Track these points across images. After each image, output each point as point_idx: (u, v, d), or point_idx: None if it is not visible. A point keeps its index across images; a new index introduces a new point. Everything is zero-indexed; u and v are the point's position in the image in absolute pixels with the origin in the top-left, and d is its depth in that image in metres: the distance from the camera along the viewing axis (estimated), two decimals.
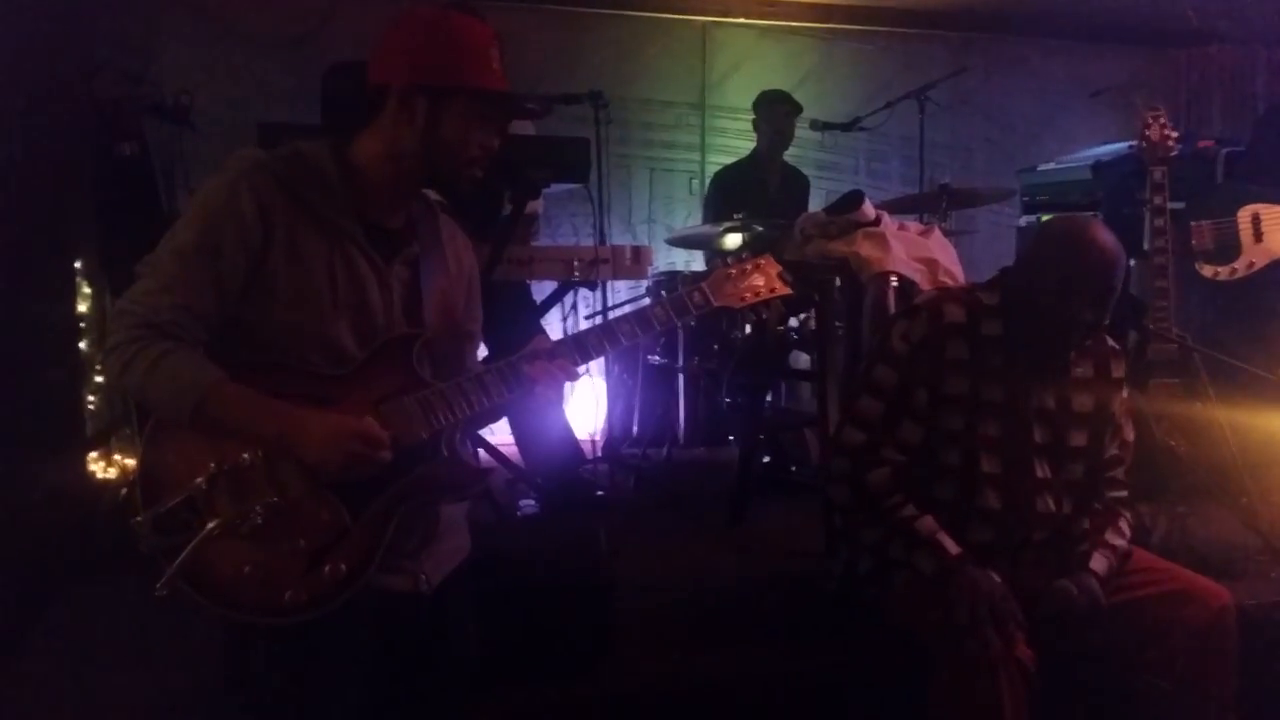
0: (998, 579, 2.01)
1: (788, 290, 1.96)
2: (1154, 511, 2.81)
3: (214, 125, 4.10)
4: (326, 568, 1.58)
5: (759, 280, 1.93)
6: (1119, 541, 2.18)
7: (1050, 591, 2.06)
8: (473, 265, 1.95)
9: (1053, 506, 2.18)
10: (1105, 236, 2.12)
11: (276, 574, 1.57)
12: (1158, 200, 3.01)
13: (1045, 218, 4.27)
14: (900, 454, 2.16)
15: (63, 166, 3.01)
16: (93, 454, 3.34)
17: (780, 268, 1.96)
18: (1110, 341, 2.29)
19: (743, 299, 1.91)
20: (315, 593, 1.57)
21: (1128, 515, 2.25)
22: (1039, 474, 2.17)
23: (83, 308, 3.32)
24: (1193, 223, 3.51)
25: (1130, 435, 2.32)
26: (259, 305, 1.63)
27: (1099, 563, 2.11)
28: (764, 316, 2.02)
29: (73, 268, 3.27)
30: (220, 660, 1.78)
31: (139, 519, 1.56)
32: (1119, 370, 2.27)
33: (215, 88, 4.65)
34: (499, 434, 3.62)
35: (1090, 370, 2.24)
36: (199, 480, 1.57)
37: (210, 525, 1.55)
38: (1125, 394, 2.29)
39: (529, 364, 1.73)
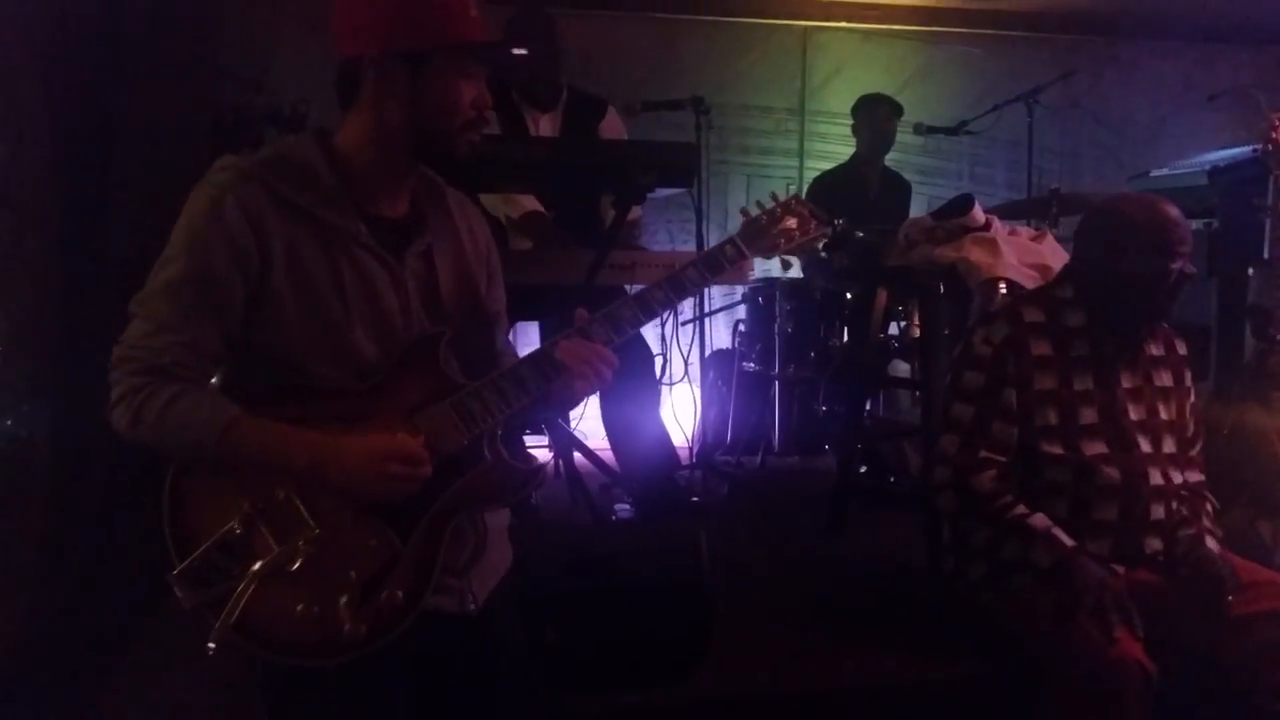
0: (1118, 570, 2.04)
1: (825, 229, 1.85)
2: (1277, 529, 2.70)
3: None
4: (383, 595, 1.49)
5: (791, 223, 1.81)
6: (1217, 529, 2.22)
7: (1196, 558, 2.11)
8: (489, 238, 1.79)
9: (1162, 479, 2.20)
10: (1151, 195, 2.30)
11: (331, 610, 1.47)
12: None
13: None
14: (999, 454, 2.18)
15: (186, 174, 3.11)
16: None
17: (812, 205, 1.86)
18: (1164, 324, 2.37)
19: (777, 246, 1.81)
20: (375, 624, 1.48)
21: (1210, 498, 2.29)
22: (1144, 449, 2.20)
23: None
24: None
25: (1198, 406, 2.38)
26: (267, 326, 1.51)
27: (1213, 544, 2.14)
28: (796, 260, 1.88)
29: None
30: (260, 700, 1.61)
31: (175, 573, 1.45)
32: (1183, 348, 2.36)
33: (329, 98, 4.76)
34: (595, 438, 3.65)
35: (1161, 349, 2.32)
36: (233, 524, 1.46)
37: (254, 569, 1.45)
38: (1189, 372, 2.36)
39: (563, 351, 1.60)
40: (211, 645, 1.43)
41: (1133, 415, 2.22)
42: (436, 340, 1.59)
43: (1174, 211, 2.18)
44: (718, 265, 1.73)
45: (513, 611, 1.72)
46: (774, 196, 1.85)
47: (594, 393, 1.65)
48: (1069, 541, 2.06)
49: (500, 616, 1.68)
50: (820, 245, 1.92)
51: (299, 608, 1.46)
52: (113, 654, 2.40)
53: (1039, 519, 2.10)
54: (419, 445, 1.49)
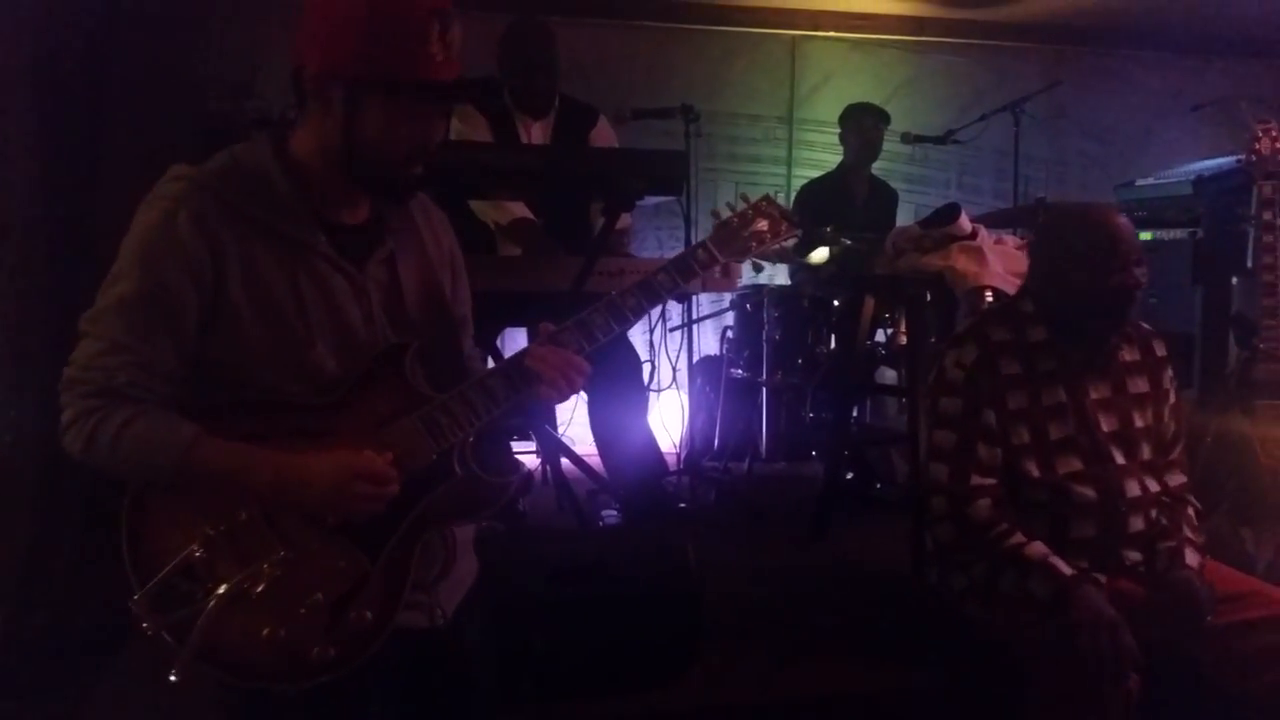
0: (1100, 580, 2.03)
1: (796, 231, 1.81)
2: (1259, 537, 2.72)
3: None
4: (352, 616, 1.44)
5: (763, 225, 1.76)
6: (1198, 536, 2.19)
7: (1174, 580, 2.08)
8: (452, 240, 1.73)
9: (1140, 490, 2.19)
10: (1098, 206, 2.28)
11: (298, 633, 1.42)
12: (1267, 216, 2.92)
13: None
14: (989, 477, 2.16)
15: None
16: None
17: (784, 208, 1.79)
18: (1144, 325, 2.34)
19: (749, 249, 1.76)
20: (344, 646, 1.44)
21: (1193, 501, 2.27)
22: (1119, 460, 2.19)
23: None
24: None
25: (1180, 407, 2.35)
26: (224, 342, 1.45)
27: (1193, 558, 2.12)
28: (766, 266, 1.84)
29: None
30: None
31: (135, 599, 1.39)
32: (1162, 349, 2.32)
33: None
34: (583, 444, 3.65)
35: (1137, 353, 2.29)
36: (194, 547, 1.40)
37: (218, 593, 1.39)
38: (1171, 372, 2.32)
39: (532, 359, 1.55)
40: (174, 674, 1.38)
41: (1104, 427, 2.20)
42: (402, 352, 1.53)
43: (1119, 223, 2.15)
44: (689, 270, 1.69)
45: (482, 622, 1.69)
46: (744, 198, 1.80)
47: (565, 400, 1.61)
48: (1067, 570, 2.04)
49: (469, 628, 1.64)
50: (791, 246, 1.90)
51: (265, 631, 1.41)
52: (98, 660, 2.39)
53: (1036, 548, 2.07)
54: (386, 462, 1.44)
